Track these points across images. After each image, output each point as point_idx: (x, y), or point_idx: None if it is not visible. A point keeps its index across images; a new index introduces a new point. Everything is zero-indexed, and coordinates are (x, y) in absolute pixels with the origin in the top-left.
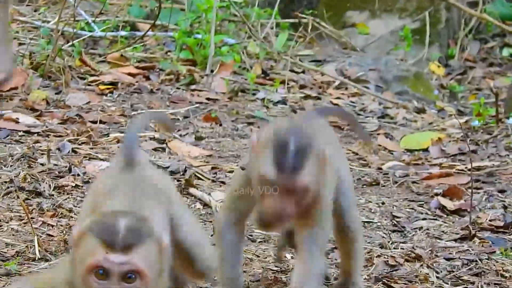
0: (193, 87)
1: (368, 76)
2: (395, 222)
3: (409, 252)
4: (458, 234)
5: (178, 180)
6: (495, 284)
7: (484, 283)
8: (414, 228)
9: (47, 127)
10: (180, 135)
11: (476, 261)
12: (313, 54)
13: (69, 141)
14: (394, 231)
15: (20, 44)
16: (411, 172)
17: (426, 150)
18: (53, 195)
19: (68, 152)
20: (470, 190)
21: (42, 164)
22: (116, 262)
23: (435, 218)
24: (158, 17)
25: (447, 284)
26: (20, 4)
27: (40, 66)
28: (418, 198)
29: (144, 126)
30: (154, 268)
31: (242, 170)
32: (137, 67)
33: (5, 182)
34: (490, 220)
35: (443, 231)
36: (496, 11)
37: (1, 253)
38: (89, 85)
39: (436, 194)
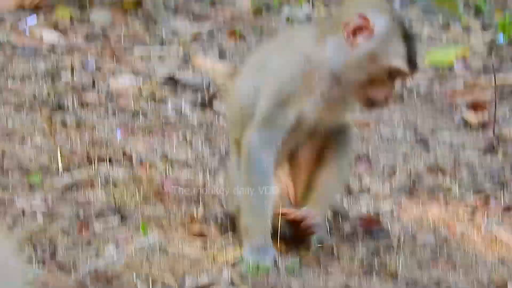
0: (217, 4)
1: None
2: (419, 136)
3: (432, 164)
4: (481, 147)
5: (201, 95)
6: None
7: (508, 193)
8: (438, 141)
9: (71, 43)
10: (204, 51)
11: (499, 172)
12: None
13: (93, 57)
14: (417, 143)
15: None
16: (436, 87)
17: (451, 66)
18: (76, 110)
19: (92, 68)
20: (493, 104)
21: (66, 80)
22: None
23: (458, 131)
24: None
25: (470, 195)
26: None
27: None
28: (442, 112)
29: None
30: None
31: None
32: None
33: (30, 97)
34: None
35: (466, 144)
36: None
37: (25, 166)
38: (113, 2)
39: (460, 108)
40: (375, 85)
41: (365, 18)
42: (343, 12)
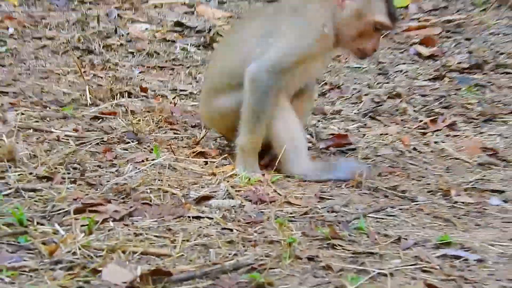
0: None
1: None
2: (380, 67)
3: (391, 91)
4: (431, 75)
5: (204, 38)
6: (460, 114)
7: (452, 114)
8: (396, 71)
9: None
10: (206, 0)
11: (445, 96)
12: None
13: (115, 8)
14: (379, 74)
15: None
16: None
17: (405, 7)
18: (102, 52)
19: (115, 17)
20: (441, 39)
21: (93, 27)
22: None
23: (412, 62)
24: None
25: (422, 115)
26: None
27: None
28: (399, 46)
29: None
30: None
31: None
32: None
33: (63, 43)
34: (457, 63)
35: (419, 73)
36: None
37: (60, 100)
38: None
39: (414, 43)
40: (364, 38)
41: None
42: None
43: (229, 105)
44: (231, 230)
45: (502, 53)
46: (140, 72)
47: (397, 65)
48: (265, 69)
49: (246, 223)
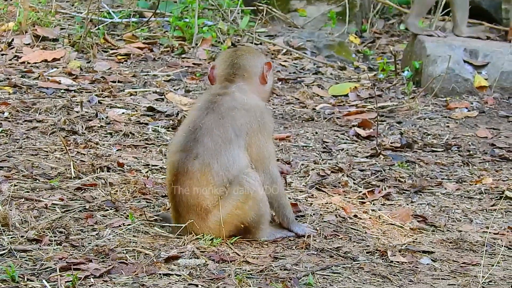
0: (183, 56)
1: (306, 45)
2: (325, 146)
3: (334, 166)
4: (369, 153)
5: (172, 120)
6: (394, 186)
7: (387, 186)
8: (338, 150)
9: (80, 86)
10: (174, 89)
11: (381, 171)
12: (267, 31)
13: (96, 95)
14: (323, 152)
15: (61, 29)
16: (336, 111)
17: (346, 95)
18: (84, 133)
19: (95, 103)
20: (376, 122)
21: (77, 112)
22: None
23: (352, 142)
24: (158, 7)
25: (361, 187)
26: (61, 0)
27: (76, 44)
28: (340, 128)
29: None
30: None
31: None
32: (144, 43)
33: (51, 125)
34: (391, 143)
35: (358, 151)
36: None
37: (48, 173)
38: (110, 56)
39: (353, 126)
40: None
41: (269, 64)
42: (247, 67)
43: None
44: (197, 285)
45: (429, 134)
46: (117, 150)
47: (339, 144)
48: None
49: (210, 279)
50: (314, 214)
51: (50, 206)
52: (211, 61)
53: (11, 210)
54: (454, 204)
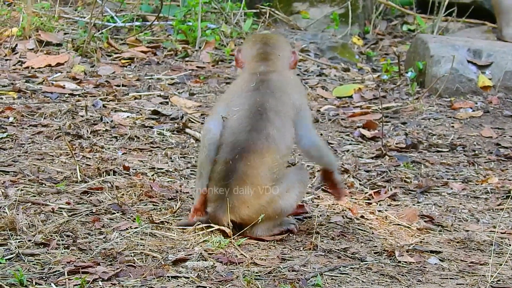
0: (187, 59)
1: (309, 47)
2: (330, 147)
3: (340, 167)
4: (374, 154)
5: (177, 124)
6: (400, 187)
7: (393, 186)
8: (343, 151)
9: (85, 90)
10: (179, 92)
11: (387, 171)
12: (270, 33)
13: (101, 99)
14: None
15: (65, 33)
16: (340, 112)
17: (350, 97)
18: (90, 137)
19: (100, 107)
20: (381, 123)
21: (82, 116)
22: None
23: (357, 143)
24: (161, 11)
25: (367, 188)
26: (65, 5)
27: (79, 48)
28: (345, 130)
29: None
30: None
31: None
32: (147, 47)
33: (56, 129)
34: (396, 144)
35: (363, 152)
36: None
37: (54, 178)
38: (114, 60)
39: (358, 127)
40: None
41: (294, 52)
42: (280, 49)
43: None
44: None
45: (434, 135)
46: (123, 154)
47: (344, 145)
48: None
49: (218, 281)
50: (321, 215)
51: (57, 210)
52: (215, 64)
53: (18, 214)
54: (460, 204)
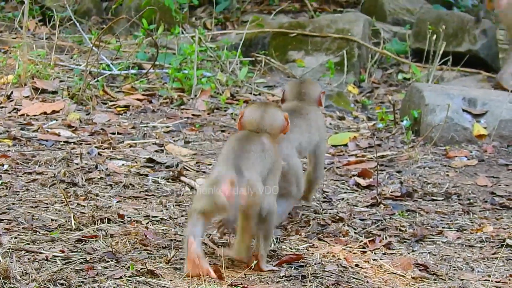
0: (182, 107)
1: None
2: (325, 195)
3: (335, 216)
4: (369, 202)
5: (172, 172)
6: (395, 236)
7: (388, 235)
8: (338, 199)
9: (80, 138)
10: (174, 140)
11: (382, 220)
12: (266, 81)
13: (96, 147)
14: (324, 201)
15: (60, 81)
16: (336, 161)
17: (345, 145)
18: (84, 185)
19: (95, 155)
20: (376, 172)
21: (76, 164)
22: None
23: (352, 191)
24: (156, 59)
25: (362, 236)
26: (60, 53)
27: (75, 96)
28: (340, 178)
29: None
30: None
31: None
32: (143, 95)
33: (51, 177)
34: (391, 192)
35: (358, 200)
36: (393, 48)
37: (48, 225)
38: (109, 108)
39: (353, 175)
40: None
41: (323, 92)
42: (309, 91)
43: None
44: None
45: (429, 183)
46: (117, 201)
47: (339, 194)
48: None
49: None
50: (315, 264)
51: (50, 258)
52: (210, 112)
53: (11, 262)
54: (455, 252)
